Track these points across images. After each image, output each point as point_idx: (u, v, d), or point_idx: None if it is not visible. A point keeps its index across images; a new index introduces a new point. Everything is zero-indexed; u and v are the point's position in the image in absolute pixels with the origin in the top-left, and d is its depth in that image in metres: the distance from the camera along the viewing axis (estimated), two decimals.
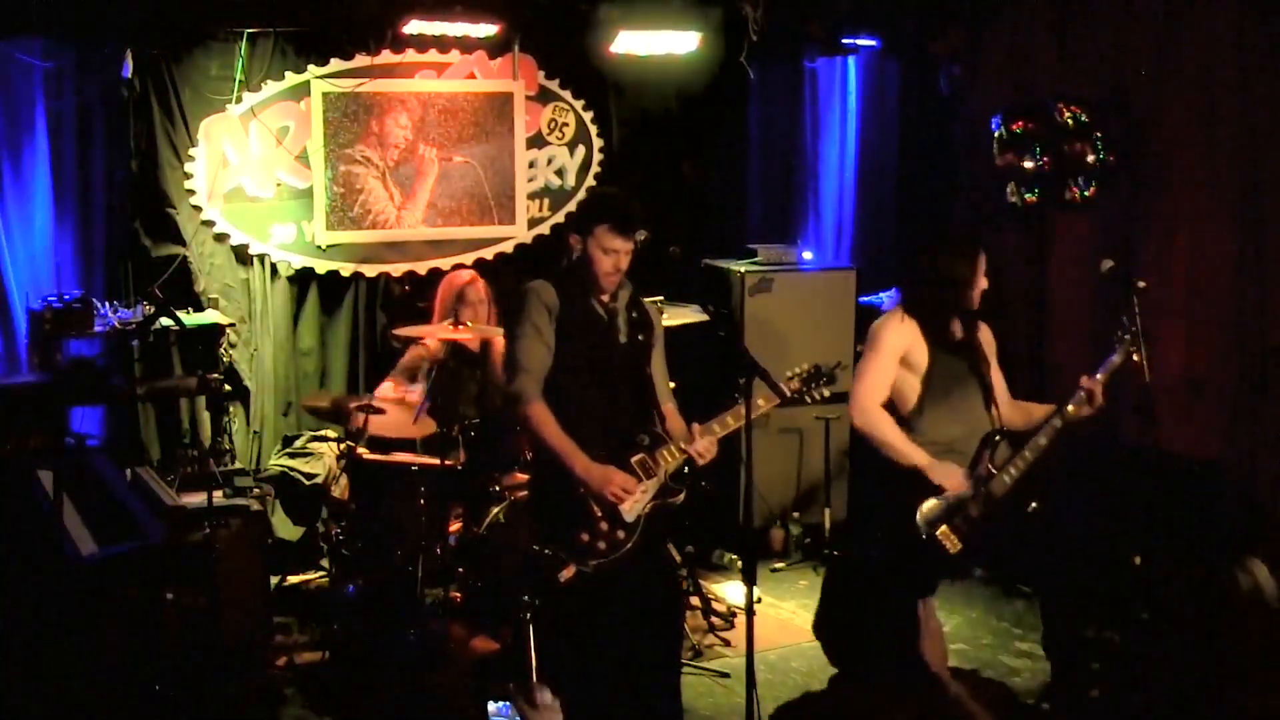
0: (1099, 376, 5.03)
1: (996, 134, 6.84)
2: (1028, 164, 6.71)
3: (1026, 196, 6.77)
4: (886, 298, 7.82)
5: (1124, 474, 6.20)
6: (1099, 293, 6.65)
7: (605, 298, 4.71)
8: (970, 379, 5.05)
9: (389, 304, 7.40)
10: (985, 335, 5.19)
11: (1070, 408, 5.01)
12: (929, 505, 4.89)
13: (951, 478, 4.89)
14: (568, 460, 4.54)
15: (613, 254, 4.62)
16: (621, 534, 4.60)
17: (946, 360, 5.00)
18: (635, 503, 4.61)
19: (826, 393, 4.95)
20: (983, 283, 5.06)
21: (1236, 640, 3.48)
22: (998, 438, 5.00)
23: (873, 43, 7.91)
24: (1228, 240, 6.41)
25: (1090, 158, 6.58)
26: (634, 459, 4.63)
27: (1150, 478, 6.00)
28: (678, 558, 6.27)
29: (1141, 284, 4.97)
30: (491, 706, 3.11)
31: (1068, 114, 6.59)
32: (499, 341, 6.26)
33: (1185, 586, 3.65)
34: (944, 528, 4.88)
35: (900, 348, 5.00)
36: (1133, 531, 5.96)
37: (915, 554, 4.94)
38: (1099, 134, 6.58)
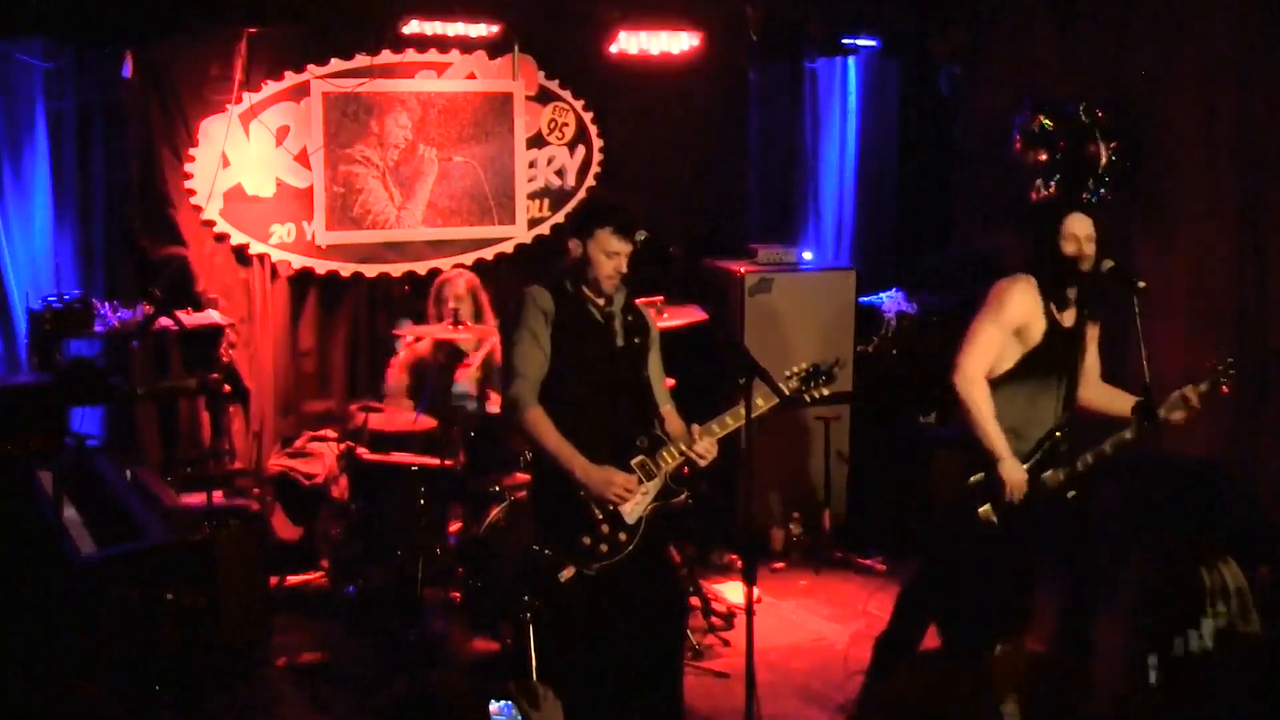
0: (1178, 395, 4.91)
1: (1021, 130, 6.81)
2: (1045, 157, 6.71)
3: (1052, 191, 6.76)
4: (887, 298, 7.82)
5: (1124, 474, 6.19)
6: (1100, 293, 6.65)
7: (601, 301, 4.71)
8: (1061, 369, 4.99)
9: (388, 304, 7.39)
10: (1093, 324, 5.12)
11: (1162, 411, 4.90)
12: (978, 477, 4.94)
13: (1014, 478, 4.88)
14: (567, 464, 4.53)
15: (614, 256, 4.61)
16: (623, 536, 4.60)
17: (1052, 343, 4.94)
18: (636, 505, 4.61)
19: (826, 391, 4.89)
20: (1089, 248, 4.91)
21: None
22: (1059, 433, 4.98)
23: (873, 43, 7.91)
24: (1228, 240, 6.41)
25: (1104, 160, 6.57)
26: (634, 461, 4.63)
27: (1150, 478, 6.00)
28: (678, 558, 6.28)
29: (1141, 284, 4.95)
30: (493, 706, 3.10)
31: (1085, 116, 6.59)
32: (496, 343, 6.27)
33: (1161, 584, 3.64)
34: (987, 506, 4.93)
35: (1021, 318, 4.92)
36: (1133, 531, 5.95)
37: (960, 523, 4.98)
38: (1114, 138, 6.58)
